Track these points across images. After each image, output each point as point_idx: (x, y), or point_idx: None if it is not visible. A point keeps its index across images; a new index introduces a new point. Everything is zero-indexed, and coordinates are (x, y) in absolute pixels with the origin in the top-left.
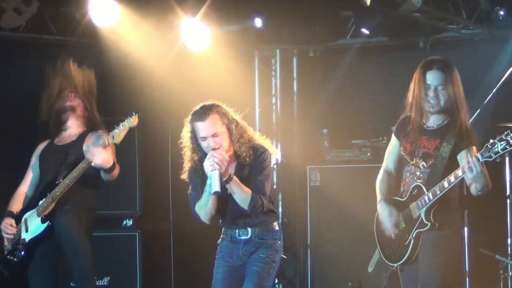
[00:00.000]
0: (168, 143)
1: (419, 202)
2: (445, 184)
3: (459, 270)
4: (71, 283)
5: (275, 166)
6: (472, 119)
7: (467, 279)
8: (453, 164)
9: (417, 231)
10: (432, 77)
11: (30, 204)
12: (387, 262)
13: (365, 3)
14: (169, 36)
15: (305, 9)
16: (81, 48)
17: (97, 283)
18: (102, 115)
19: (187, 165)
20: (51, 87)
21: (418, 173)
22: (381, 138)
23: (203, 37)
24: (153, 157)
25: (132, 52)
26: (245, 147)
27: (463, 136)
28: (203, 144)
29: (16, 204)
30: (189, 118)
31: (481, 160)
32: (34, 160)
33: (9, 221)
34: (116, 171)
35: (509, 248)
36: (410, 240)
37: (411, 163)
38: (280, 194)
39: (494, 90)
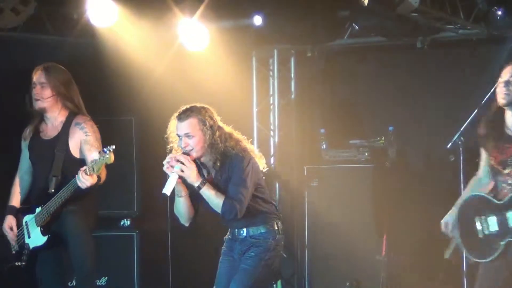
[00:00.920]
0: (166, 143)
1: None
2: None
3: None
4: (69, 283)
5: (273, 166)
6: (469, 119)
7: (464, 278)
8: None
9: (509, 239)
10: None
11: (29, 199)
12: (468, 254)
13: (362, 3)
14: (166, 36)
15: (303, 9)
16: (79, 48)
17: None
18: (100, 115)
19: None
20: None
21: None
22: (378, 138)
23: (200, 37)
24: (151, 157)
25: (130, 52)
26: (220, 154)
27: None
28: (180, 142)
29: (16, 196)
30: (174, 115)
31: None
32: (24, 150)
33: (9, 224)
34: (103, 178)
35: None
36: (501, 245)
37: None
38: (277, 194)
39: (492, 90)
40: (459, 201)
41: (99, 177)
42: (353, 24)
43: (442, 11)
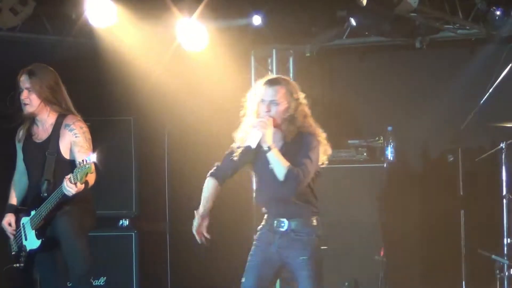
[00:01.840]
0: (165, 143)
1: None
2: None
3: None
4: (68, 283)
5: None
6: (468, 118)
7: (463, 279)
8: None
9: None
10: None
11: (26, 202)
12: None
13: (361, 3)
14: (165, 36)
15: (302, 9)
16: (78, 48)
17: (93, 283)
18: (99, 115)
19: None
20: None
21: None
22: (377, 138)
23: (199, 37)
24: (149, 157)
25: (129, 52)
26: (295, 128)
27: None
28: (261, 107)
29: (14, 197)
30: (260, 81)
31: None
32: (19, 152)
33: (7, 220)
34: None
35: (505, 248)
36: None
37: None
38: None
39: (490, 90)
40: None
41: (86, 182)
42: (350, 18)
43: (441, 11)
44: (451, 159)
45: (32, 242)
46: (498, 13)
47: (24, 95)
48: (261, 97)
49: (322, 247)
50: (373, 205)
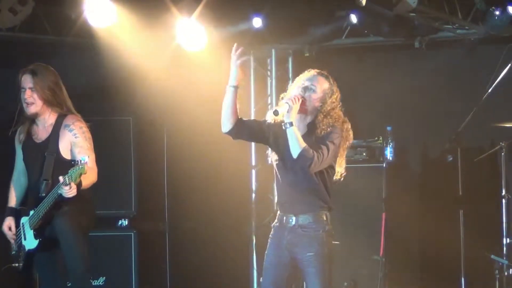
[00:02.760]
0: (164, 143)
1: None
2: None
3: None
4: (68, 283)
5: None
6: (467, 119)
7: (463, 279)
8: None
9: None
10: None
11: (26, 201)
12: None
13: (360, 3)
14: (164, 36)
15: (301, 9)
16: (77, 48)
17: (93, 283)
18: (98, 115)
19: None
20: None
21: None
22: (376, 138)
23: (198, 37)
24: (148, 157)
25: (128, 52)
26: (328, 122)
27: None
28: (298, 90)
29: (13, 198)
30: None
31: None
32: (18, 152)
33: (8, 224)
34: (88, 182)
35: (504, 248)
36: None
37: None
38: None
39: (489, 90)
40: None
41: (80, 182)
42: (351, 14)
43: (440, 11)
44: (450, 159)
45: (30, 242)
46: (497, 13)
47: (28, 94)
48: (303, 80)
49: (334, 242)
50: (372, 205)
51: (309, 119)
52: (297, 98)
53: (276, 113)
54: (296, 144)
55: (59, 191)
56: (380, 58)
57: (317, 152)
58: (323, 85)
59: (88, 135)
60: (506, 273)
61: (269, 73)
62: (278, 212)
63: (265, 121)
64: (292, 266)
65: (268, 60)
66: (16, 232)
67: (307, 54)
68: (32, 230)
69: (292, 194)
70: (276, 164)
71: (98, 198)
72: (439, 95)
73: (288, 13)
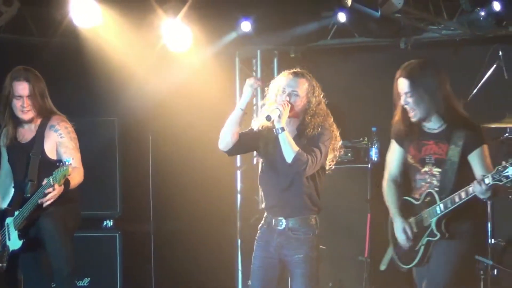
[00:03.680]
0: (149, 144)
1: (431, 211)
2: (456, 199)
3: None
4: (52, 284)
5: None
6: None
7: None
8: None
9: (427, 239)
10: None
11: (11, 202)
12: (398, 263)
13: (346, 4)
14: (150, 36)
15: (286, 10)
16: (62, 49)
17: (77, 284)
18: (83, 116)
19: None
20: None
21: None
22: (362, 139)
23: (184, 37)
24: (133, 157)
25: (113, 53)
26: (318, 122)
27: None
28: (281, 96)
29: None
30: (284, 72)
31: (491, 183)
32: (3, 153)
33: None
34: (75, 182)
35: (489, 249)
36: (421, 246)
37: (423, 170)
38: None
39: (474, 91)
40: (393, 209)
41: (67, 183)
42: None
43: (425, 12)
44: None
45: (14, 242)
46: (482, 13)
47: (26, 102)
48: (283, 86)
49: (321, 247)
50: (357, 206)
51: (297, 121)
52: (286, 103)
53: (268, 118)
54: (289, 149)
55: (44, 191)
56: (366, 59)
57: (311, 156)
58: (303, 86)
59: (74, 135)
60: (491, 274)
61: (254, 73)
62: (266, 214)
63: (252, 129)
64: (280, 268)
65: (254, 61)
66: (1, 232)
67: (293, 55)
68: (17, 231)
69: (283, 197)
70: (265, 167)
71: (83, 198)
72: None
73: (273, 14)
